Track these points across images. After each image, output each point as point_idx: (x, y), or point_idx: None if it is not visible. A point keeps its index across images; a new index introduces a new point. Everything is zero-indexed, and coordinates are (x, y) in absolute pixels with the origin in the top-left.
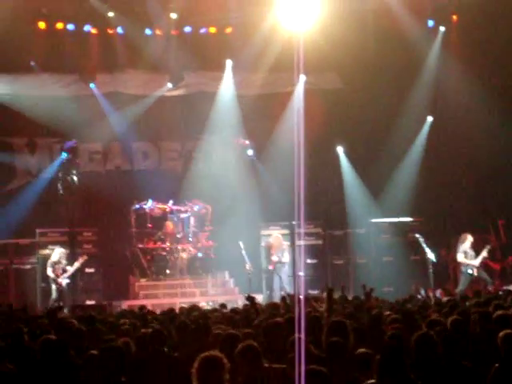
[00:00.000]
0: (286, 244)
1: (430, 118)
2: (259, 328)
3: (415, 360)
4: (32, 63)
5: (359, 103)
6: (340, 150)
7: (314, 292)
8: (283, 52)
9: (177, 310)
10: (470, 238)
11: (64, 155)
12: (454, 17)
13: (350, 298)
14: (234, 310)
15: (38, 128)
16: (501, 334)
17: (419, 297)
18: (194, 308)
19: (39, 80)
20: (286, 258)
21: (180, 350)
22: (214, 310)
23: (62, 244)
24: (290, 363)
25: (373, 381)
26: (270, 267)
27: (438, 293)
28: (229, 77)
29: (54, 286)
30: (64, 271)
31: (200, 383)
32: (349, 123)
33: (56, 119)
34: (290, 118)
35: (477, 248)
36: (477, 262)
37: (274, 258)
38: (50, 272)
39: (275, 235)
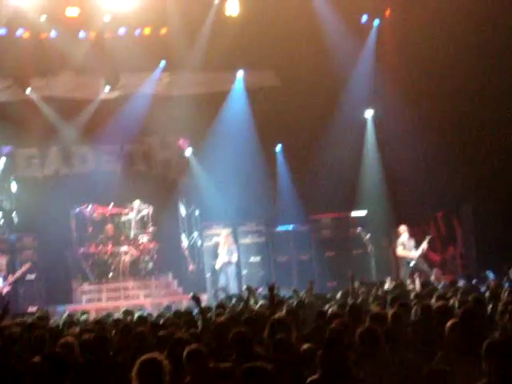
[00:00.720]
0: (233, 243)
1: (370, 112)
2: (206, 328)
3: (360, 354)
4: None
5: (297, 101)
6: (279, 147)
7: (259, 290)
8: (220, 51)
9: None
10: (405, 230)
11: (3, 161)
12: (388, 11)
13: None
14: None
15: None
16: (448, 323)
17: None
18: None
19: None
20: (235, 257)
21: (123, 354)
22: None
23: (0, 251)
24: (235, 361)
25: (316, 376)
26: (217, 267)
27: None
28: (164, 77)
29: None
30: (5, 279)
31: None
32: (287, 121)
33: None
34: (227, 117)
35: (417, 239)
36: (416, 253)
37: (223, 258)
38: None
39: (225, 234)
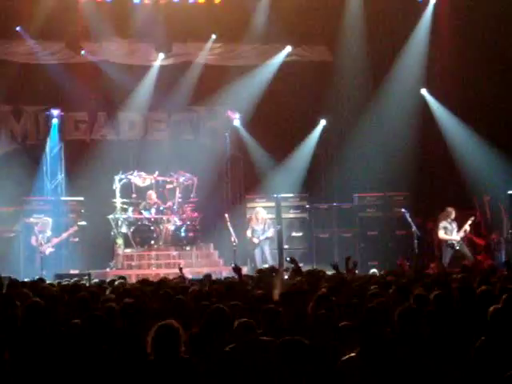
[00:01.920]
0: (269, 218)
1: (423, 91)
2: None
3: (399, 334)
4: (18, 29)
5: (347, 77)
6: (323, 122)
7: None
8: (271, 23)
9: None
10: (450, 213)
11: (55, 123)
12: None
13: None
14: (219, 281)
15: (24, 95)
16: (491, 308)
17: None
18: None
19: (25, 46)
20: (271, 232)
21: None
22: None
23: (46, 212)
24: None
25: (353, 354)
26: (255, 240)
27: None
28: (215, 47)
29: (37, 255)
30: (48, 240)
31: (156, 353)
32: (336, 96)
33: (42, 87)
34: (275, 90)
35: (460, 223)
36: (457, 236)
37: (248, 234)
38: (33, 241)
39: (257, 209)
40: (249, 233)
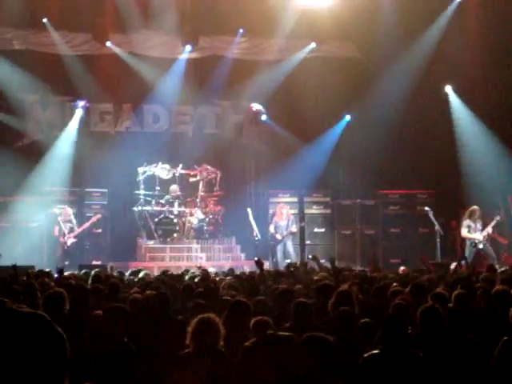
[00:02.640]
0: (292, 214)
1: (447, 88)
2: (267, 294)
3: (421, 333)
4: (45, 20)
5: (373, 74)
6: (347, 118)
7: (322, 261)
8: (299, 19)
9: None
10: (475, 211)
11: (80, 113)
12: None
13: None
14: (241, 277)
15: (50, 86)
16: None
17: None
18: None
19: (52, 38)
20: (294, 228)
21: (185, 313)
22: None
23: (70, 203)
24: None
25: (377, 351)
26: (279, 236)
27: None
28: (242, 42)
29: (59, 246)
30: (71, 230)
31: (195, 344)
32: (360, 94)
33: (68, 78)
34: (300, 84)
35: (485, 222)
36: (481, 236)
37: (271, 229)
38: (56, 231)
39: (280, 204)
40: (272, 228)
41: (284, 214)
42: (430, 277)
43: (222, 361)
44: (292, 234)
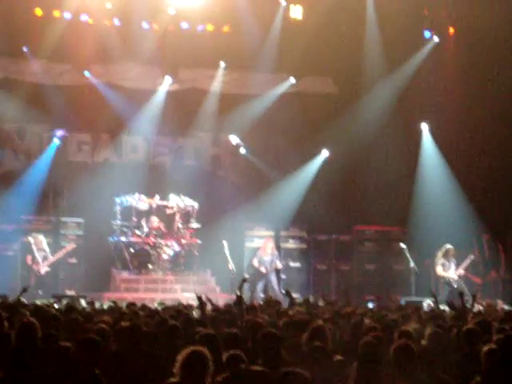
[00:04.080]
0: (275, 249)
1: (425, 125)
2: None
3: (394, 371)
4: (25, 49)
5: (351, 110)
6: (325, 153)
7: (297, 295)
8: (277, 54)
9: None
10: (449, 250)
11: (56, 143)
12: (451, 29)
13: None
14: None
15: (28, 115)
16: (484, 348)
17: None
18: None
19: (32, 66)
20: (279, 264)
21: (157, 346)
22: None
23: (45, 232)
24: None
25: None
26: (263, 270)
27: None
28: (222, 75)
29: (32, 274)
30: (45, 259)
31: (184, 376)
32: (337, 130)
33: (47, 107)
34: (279, 118)
35: (459, 261)
36: (455, 274)
37: (255, 263)
38: (28, 260)
39: (266, 239)
40: (255, 262)
41: (269, 249)
42: (403, 313)
43: None
44: (277, 269)
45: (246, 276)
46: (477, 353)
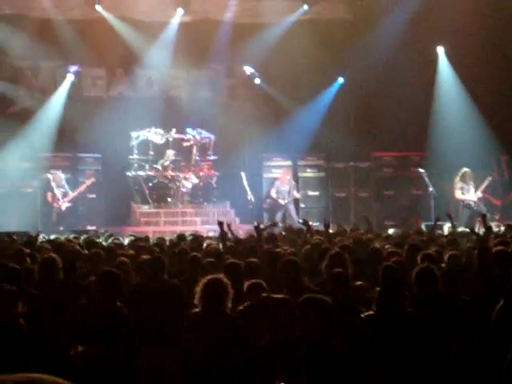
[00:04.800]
0: (292, 179)
1: (441, 49)
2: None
3: (415, 294)
4: None
5: (366, 36)
6: (340, 80)
7: (316, 224)
8: None
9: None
10: (466, 173)
11: (70, 79)
12: None
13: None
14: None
15: (41, 51)
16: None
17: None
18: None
19: (41, 2)
20: (297, 194)
21: (179, 277)
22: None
23: (63, 169)
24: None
25: (371, 312)
26: (282, 201)
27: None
28: (234, 4)
29: (53, 211)
30: (65, 195)
31: (204, 304)
32: (353, 56)
33: (59, 43)
34: (294, 46)
35: (478, 184)
36: (474, 197)
37: (273, 193)
38: (49, 197)
39: (284, 169)
40: (273, 192)
41: (287, 179)
42: (423, 238)
43: (228, 322)
44: (295, 199)
45: (277, 221)
46: (502, 276)
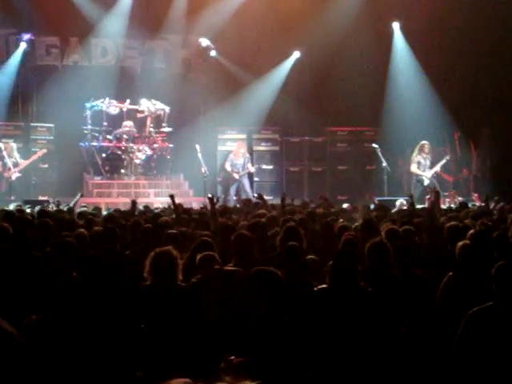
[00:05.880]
0: (247, 153)
1: (396, 24)
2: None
3: (368, 268)
4: None
5: (322, 9)
6: (296, 54)
7: (270, 198)
8: None
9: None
10: (424, 146)
11: (23, 47)
12: None
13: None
14: (189, 212)
15: None
16: (459, 243)
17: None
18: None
19: None
20: (251, 168)
21: (132, 248)
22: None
23: (15, 138)
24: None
25: (325, 286)
26: (236, 175)
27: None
28: None
29: (3, 180)
30: (15, 165)
31: (153, 275)
32: (308, 29)
33: (12, 10)
34: (247, 20)
35: (433, 160)
36: (429, 173)
37: (227, 167)
38: (0, 166)
39: (238, 143)
40: (228, 166)
41: (241, 152)
42: (378, 214)
43: (179, 294)
44: (249, 172)
45: (231, 194)
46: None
